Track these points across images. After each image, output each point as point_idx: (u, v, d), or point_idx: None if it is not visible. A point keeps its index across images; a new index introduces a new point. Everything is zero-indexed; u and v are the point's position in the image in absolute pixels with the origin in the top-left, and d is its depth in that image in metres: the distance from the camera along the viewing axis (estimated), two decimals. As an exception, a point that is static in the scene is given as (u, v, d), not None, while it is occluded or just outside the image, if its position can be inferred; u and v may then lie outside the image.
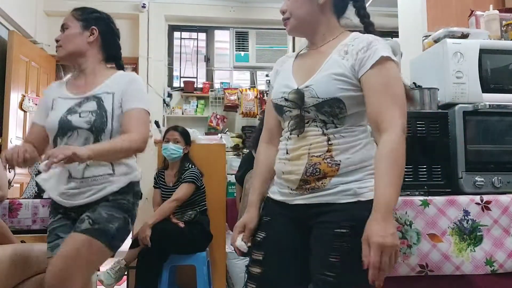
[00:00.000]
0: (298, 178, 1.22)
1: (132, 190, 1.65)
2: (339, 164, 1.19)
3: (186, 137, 3.02)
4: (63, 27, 1.68)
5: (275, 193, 1.33)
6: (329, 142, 1.21)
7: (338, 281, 1.12)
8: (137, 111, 1.59)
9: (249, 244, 1.32)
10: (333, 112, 1.19)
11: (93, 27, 1.67)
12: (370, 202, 1.12)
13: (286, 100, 1.26)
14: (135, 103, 1.60)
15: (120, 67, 1.76)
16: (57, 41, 1.67)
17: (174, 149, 2.94)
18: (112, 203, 1.57)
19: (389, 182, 1.08)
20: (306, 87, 1.21)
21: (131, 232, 1.64)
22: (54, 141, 1.62)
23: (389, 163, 1.09)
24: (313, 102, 1.20)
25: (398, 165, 1.09)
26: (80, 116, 1.57)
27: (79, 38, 1.65)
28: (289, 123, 1.28)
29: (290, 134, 1.27)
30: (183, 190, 2.86)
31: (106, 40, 1.70)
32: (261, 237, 1.30)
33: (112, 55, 1.75)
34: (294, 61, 1.34)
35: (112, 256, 1.66)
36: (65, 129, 1.58)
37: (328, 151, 1.20)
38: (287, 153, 1.26)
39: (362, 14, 1.33)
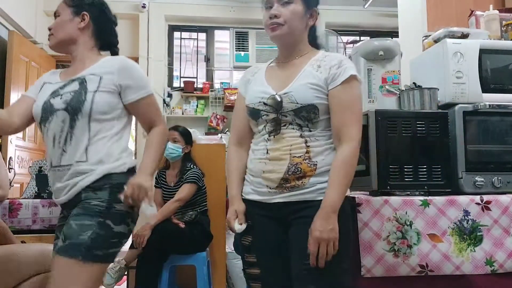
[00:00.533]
0: (279, 177, 1.34)
1: (108, 183, 1.41)
2: (316, 165, 1.34)
3: (186, 137, 3.01)
4: (55, 15, 1.60)
5: (250, 194, 1.42)
6: (307, 144, 1.35)
7: (319, 270, 1.27)
8: (149, 99, 1.55)
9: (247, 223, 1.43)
10: (309, 116, 1.34)
11: (84, 12, 1.57)
12: None
13: (264, 104, 1.38)
14: (143, 91, 1.53)
15: (115, 54, 1.65)
16: (49, 29, 1.59)
17: (173, 148, 2.94)
18: (84, 207, 1.39)
19: (336, 188, 1.29)
20: (285, 93, 1.35)
21: (122, 232, 1.41)
22: (39, 127, 1.54)
23: (340, 171, 1.30)
24: (292, 107, 1.34)
25: (347, 174, 1.31)
26: (60, 98, 1.48)
27: (69, 24, 1.55)
28: (265, 126, 1.39)
29: (269, 136, 1.38)
30: (185, 191, 2.86)
31: (99, 26, 1.60)
32: (248, 241, 1.42)
33: (106, 41, 1.64)
34: (266, 71, 1.48)
35: (109, 262, 1.44)
36: (47, 113, 1.48)
37: (307, 152, 1.34)
38: (267, 153, 1.37)
39: (314, 36, 1.52)
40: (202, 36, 5.33)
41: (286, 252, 1.36)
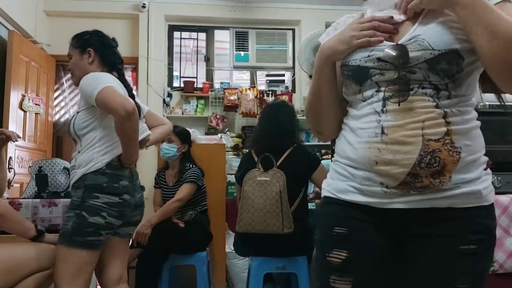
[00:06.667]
0: (405, 171, 0.90)
1: (83, 184, 1.71)
2: (459, 153, 0.90)
3: (182, 136, 3.01)
4: (68, 56, 1.92)
5: (348, 193, 0.99)
6: (447, 120, 0.90)
7: None
8: (97, 101, 1.70)
9: None
10: (450, 70, 0.90)
11: (89, 48, 1.88)
12: (492, 208, 0.95)
13: (378, 59, 0.94)
14: (92, 98, 1.72)
15: (120, 75, 1.91)
16: (69, 70, 1.93)
17: (167, 148, 2.94)
18: (70, 203, 1.75)
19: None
20: (411, 39, 0.93)
21: (97, 222, 1.69)
22: None
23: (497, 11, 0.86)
24: (425, 56, 0.90)
25: (497, 18, 0.85)
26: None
27: (81, 63, 1.87)
28: (377, 90, 0.95)
29: (385, 104, 0.93)
30: (185, 190, 2.86)
31: (102, 54, 1.90)
32: (342, 257, 0.96)
33: (111, 64, 1.92)
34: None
35: (93, 249, 1.71)
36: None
37: (448, 133, 0.90)
38: (383, 132, 0.92)
39: None
40: (202, 36, 5.32)
41: (395, 275, 0.97)
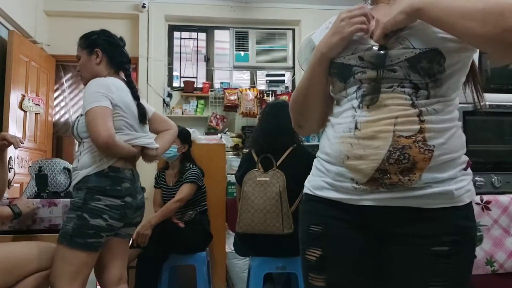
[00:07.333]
0: (373, 167, 0.90)
1: (85, 185, 1.71)
2: (432, 151, 0.89)
3: (182, 136, 3.00)
4: (77, 58, 1.92)
5: (324, 189, 1.00)
6: (421, 118, 0.90)
7: None
8: (87, 116, 1.71)
9: None
10: (431, 69, 0.89)
11: (96, 49, 1.87)
12: (468, 208, 0.93)
13: (360, 58, 0.95)
14: (84, 109, 1.74)
15: (126, 76, 1.93)
16: (78, 71, 1.94)
17: (168, 148, 2.94)
18: (70, 203, 1.75)
19: None
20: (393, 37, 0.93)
21: (98, 225, 1.69)
22: None
23: None
24: (406, 54, 0.90)
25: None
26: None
27: (89, 63, 1.88)
28: (359, 87, 0.96)
29: (361, 101, 0.94)
30: (185, 191, 2.86)
31: (110, 54, 1.89)
32: (317, 255, 0.98)
33: (119, 64, 1.92)
34: None
35: (93, 251, 1.71)
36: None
37: (421, 131, 0.89)
38: (356, 127, 0.93)
39: None
40: (202, 36, 5.32)
41: (373, 274, 0.97)
